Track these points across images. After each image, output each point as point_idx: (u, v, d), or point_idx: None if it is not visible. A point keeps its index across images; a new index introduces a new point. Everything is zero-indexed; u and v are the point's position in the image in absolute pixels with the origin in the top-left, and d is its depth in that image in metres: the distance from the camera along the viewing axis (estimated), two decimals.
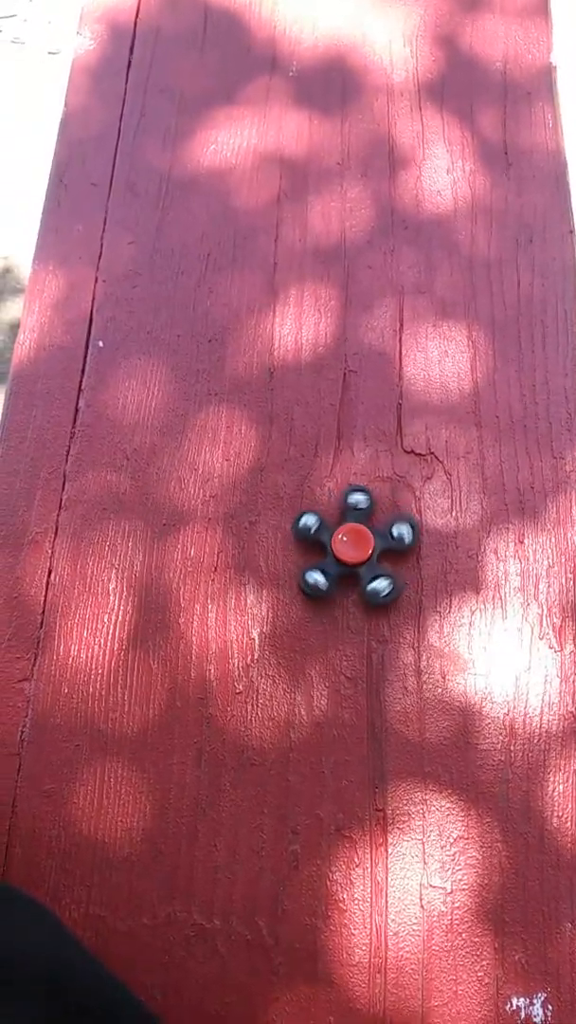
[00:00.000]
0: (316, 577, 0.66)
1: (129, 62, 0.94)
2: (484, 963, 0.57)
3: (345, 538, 0.66)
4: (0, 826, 0.64)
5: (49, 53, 1.85)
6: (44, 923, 0.56)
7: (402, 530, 0.66)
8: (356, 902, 0.59)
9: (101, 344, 0.79)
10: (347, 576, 0.66)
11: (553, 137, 0.82)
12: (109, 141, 0.89)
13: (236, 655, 0.66)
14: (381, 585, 0.65)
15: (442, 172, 0.82)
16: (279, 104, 0.88)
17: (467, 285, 0.76)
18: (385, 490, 0.70)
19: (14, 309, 1.56)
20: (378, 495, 0.69)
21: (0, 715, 0.67)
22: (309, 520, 0.67)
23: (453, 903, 0.58)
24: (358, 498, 0.67)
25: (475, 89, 0.85)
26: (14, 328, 1.55)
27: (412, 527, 0.66)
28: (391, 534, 0.66)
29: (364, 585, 0.65)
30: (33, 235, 0.88)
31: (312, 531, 0.67)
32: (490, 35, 0.88)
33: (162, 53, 0.93)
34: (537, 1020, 0.55)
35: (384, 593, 0.64)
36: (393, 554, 0.67)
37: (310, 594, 0.66)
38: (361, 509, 0.67)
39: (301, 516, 0.68)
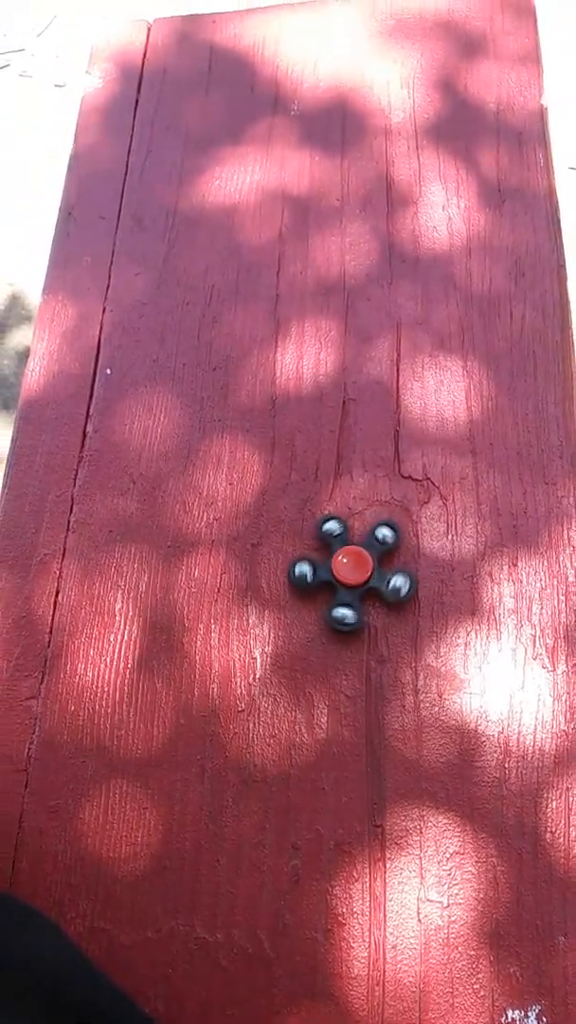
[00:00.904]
0: (304, 569, 0.69)
1: (137, 100, 0.97)
2: (480, 976, 0.58)
3: (345, 560, 0.68)
4: (7, 841, 0.65)
5: (56, 86, 1.90)
6: (47, 934, 0.57)
7: (398, 583, 0.68)
8: (355, 916, 0.61)
9: (109, 372, 0.82)
10: (328, 585, 0.68)
11: (544, 176, 0.85)
12: (117, 176, 0.93)
13: (239, 674, 0.68)
14: (346, 614, 0.67)
15: (438, 209, 0.85)
16: (282, 142, 0.91)
17: (462, 317, 0.79)
18: (383, 514, 0.72)
19: (20, 336, 1.59)
20: (402, 535, 0.71)
21: (8, 732, 0.68)
22: (333, 526, 0.70)
23: (450, 917, 0.60)
24: (386, 533, 0.69)
25: (470, 130, 0.89)
26: (20, 354, 1.58)
27: (410, 586, 0.68)
28: (388, 582, 0.68)
29: (332, 607, 0.68)
30: (38, 263, 0.91)
31: (331, 535, 0.70)
32: (484, 79, 0.91)
33: (168, 92, 0.97)
34: None
35: (345, 622, 0.67)
36: (381, 598, 0.69)
37: (294, 583, 0.69)
38: (383, 544, 0.69)
39: (329, 519, 0.71)
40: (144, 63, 1.00)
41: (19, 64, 1.95)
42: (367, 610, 0.69)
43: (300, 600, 0.70)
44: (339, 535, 0.70)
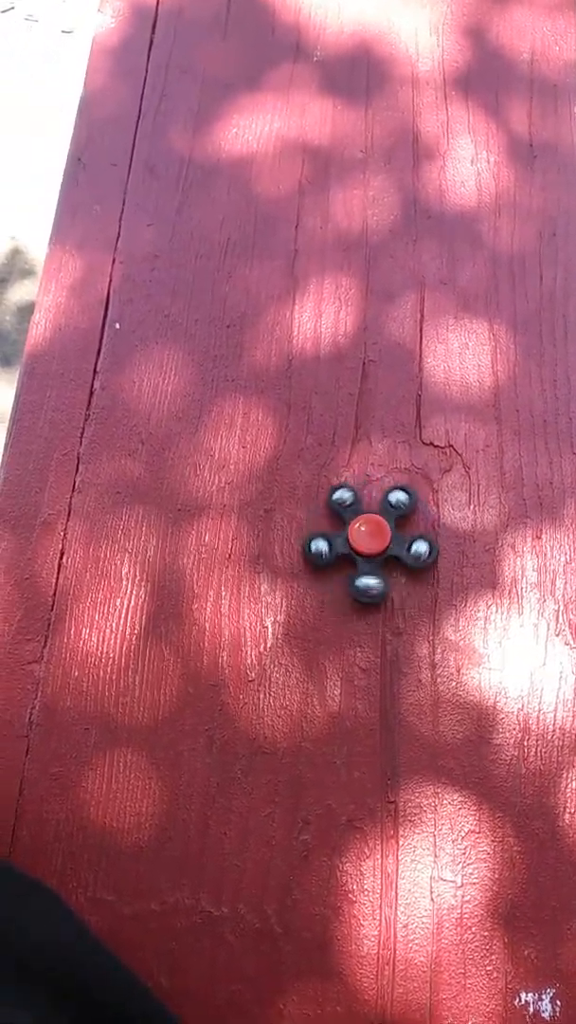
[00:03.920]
0: (320, 545, 0.66)
1: (151, 42, 0.93)
2: (493, 957, 0.57)
3: (363, 528, 0.65)
4: (7, 808, 0.63)
5: (63, 32, 1.83)
6: (52, 910, 0.55)
7: (421, 548, 0.65)
8: (366, 893, 0.59)
9: (118, 326, 0.78)
10: (348, 559, 0.66)
11: None
12: (129, 122, 0.88)
13: (249, 643, 0.66)
14: (371, 583, 0.64)
15: (466, 163, 0.81)
16: (302, 90, 0.87)
17: (489, 277, 0.76)
18: (402, 481, 0.69)
19: (22, 291, 1.55)
20: (418, 499, 0.69)
21: (9, 697, 0.66)
22: (344, 495, 0.67)
23: (463, 897, 0.58)
24: (400, 497, 0.67)
25: (501, 81, 0.85)
26: (22, 310, 1.54)
27: (431, 550, 0.65)
28: (409, 547, 0.66)
29: (355, 578, 0.65)
30: (41, 216, 0.87)
31: (342, 506, 0.67)
32: (517, 27, 0.87)
33: (184, 34, 0.92)
34: (546, 1015, 0.55)
35: (371, 593, 0.64)
36: (402, 566, 0.66)
37: (311, 561, 0.66)
38: (398, 508, 0.67)
39: (339, 488, 0.68)
40: (159, 3, 0.95)
41: (24, 7, 1.88)
42: (388, 578, 0.66)
43: (314, 570, 0.67)
44: (351, 505, 0.67)
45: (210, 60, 0.90)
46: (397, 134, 0.83)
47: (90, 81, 0.92)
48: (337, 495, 0.68)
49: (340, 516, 0.68)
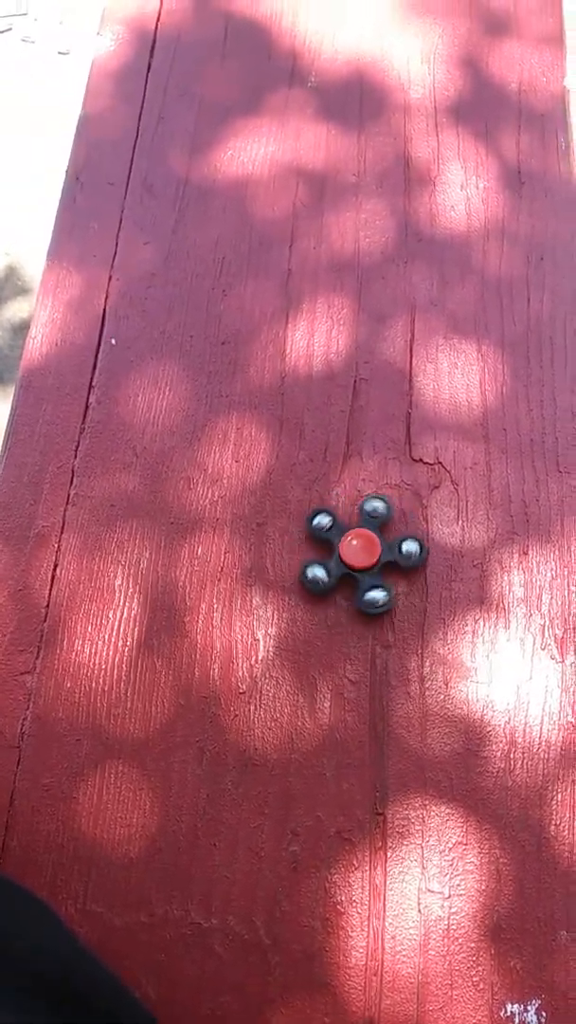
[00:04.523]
0: (316, 572, 0.66)
1: (149, 65, 0.95)
2: (480, 969, 0.57)
3: (355, 542, 0.66)
4: None
5: (59, 53, 1.86)
6: (45, 920, 0.55)
7: (411, 548, 0.67)
8: (354, 905, 0.59)
9: (114, 342, 0.79)
10: (347, 578, 0.67)
11: (565, 159, 0.83)
12: (127, 142, 0.90)
13: (241, 656, 0.67)
14: (378, 596, 0.65)
15: (456, 188, 0.83)
16: (297, 115, 0.89)
17: (478, 300, 0.78)
18: (392, 497, 0.70)
19: (15, 308, 1.56)
20: (393, 505, 0.70)
21: (1, 707, 0.67)
22: (323, 520, 0.68)
23: (450, 908, 0.59)
24: (376, 505, 0.68)
25: (490, 110, 0.87)
26: (16, 326, 1.55)
27: (421, 547, 0.67)
28: (400, 548, 0.67)
29: (361, 593, 0.66)
30: (36, 233, 0.88)
31: (324, 530, 0.68)
32: (507, 58, 0.89)
33: (183, 58, 0.94)
34: None
35: (379, 604, 0.65)
36: (398, 569, 0.67)
37: (309, 588, 0.67)
38: (377, 517, 0.68)
39: (316, 514, 0.69)
40: (158, 27, 0.97)
41: (21, 28, 1.91)
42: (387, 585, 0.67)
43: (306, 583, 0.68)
44: (330, 528, 0.68)
45: (207, 84, 0.92)
46: (389, 159, 0.85)
47: (89, 103, 0.94)
48: (316, 522, 0.69)
49: (327, 541, 0.68)
